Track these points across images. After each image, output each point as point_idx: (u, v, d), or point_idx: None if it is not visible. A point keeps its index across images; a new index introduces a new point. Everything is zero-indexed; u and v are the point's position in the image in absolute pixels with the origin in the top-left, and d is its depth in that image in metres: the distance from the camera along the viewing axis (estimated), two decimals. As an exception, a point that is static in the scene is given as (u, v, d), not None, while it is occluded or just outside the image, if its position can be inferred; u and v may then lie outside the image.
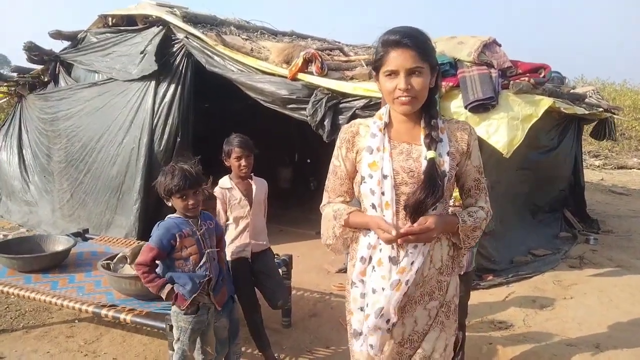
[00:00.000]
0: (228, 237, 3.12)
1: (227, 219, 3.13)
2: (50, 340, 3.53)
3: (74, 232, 4.44)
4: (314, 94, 4.57)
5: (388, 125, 1.78)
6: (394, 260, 1.71)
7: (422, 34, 1.67)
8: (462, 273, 2.64)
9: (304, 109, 4.63)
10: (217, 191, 3.11)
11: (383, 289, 1.71)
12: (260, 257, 3.24)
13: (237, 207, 3.11)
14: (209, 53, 5.22)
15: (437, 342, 1.80)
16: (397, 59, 1.62)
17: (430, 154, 1.67)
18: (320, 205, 1.94)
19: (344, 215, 1.80)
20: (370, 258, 1.76)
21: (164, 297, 2.39)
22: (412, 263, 1.69)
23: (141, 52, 5.70)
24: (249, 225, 3.15)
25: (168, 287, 2.38)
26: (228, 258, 3.12)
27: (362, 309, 1.80)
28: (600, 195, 9.60)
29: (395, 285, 1.68)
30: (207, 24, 5.83)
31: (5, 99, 7.75)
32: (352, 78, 4.68)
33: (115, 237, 4.65)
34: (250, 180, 3.20)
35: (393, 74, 1.64)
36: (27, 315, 3.88)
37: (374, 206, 1.73)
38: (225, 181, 3.17)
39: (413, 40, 1.63)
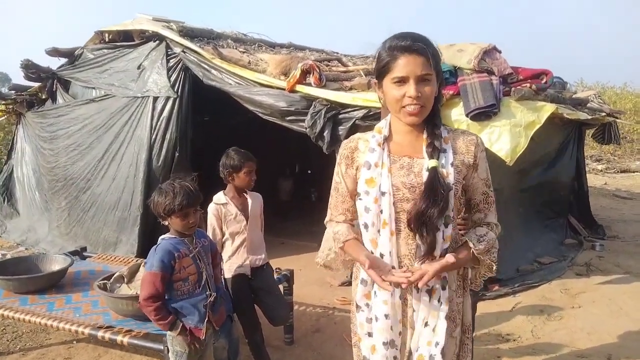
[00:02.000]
0: (225, 254, 3.06)
1: (223, 235, 3.07)
2: (48, 362, 3.46)
3: (71, 251, 4.36)
4: (313, 106, 4.52)
5: (388, 139, 1.69)
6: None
7: (430, 40, 1.59)
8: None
9: (303, 120, 4.58)
10: (211, 207, 3.07)
11: (386, 315, 1.63)
12: (259, 273, 3.17)
13: (233, 222, 3.06)
14: (206, 67, 5.19)
15: None
16: (407, 65, 1.53)
17: (432, 162, 1.58)
18: (325, 221, 1.87)
19: (340, 243, 1.73)
20: (372, 281, 1.67)
21: (175, 334, 2.32)
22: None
23: (138, 68, 5.68)
24: (246, 240, 3.08)
25: (179, 324, 2.31)
26: (227, 275, 3.05)
27: (369, 334, 1.70)
28: (604, 199, 9.52)
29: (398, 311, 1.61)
30: (204, 38, 5.80)
31: (4, 117, 7.73)
32: (350, 88, 4.64)
33: (113, 255, 4.58)
34: (245, 195, 3.15)
35: (402, 81, 1.55)
36: (24, 337, 3.80)
37: (366, 226, 1.65)
38: (219, 197, 3.12)
39: (424, 46, 1.55)
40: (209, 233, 3.01)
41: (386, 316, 1.63)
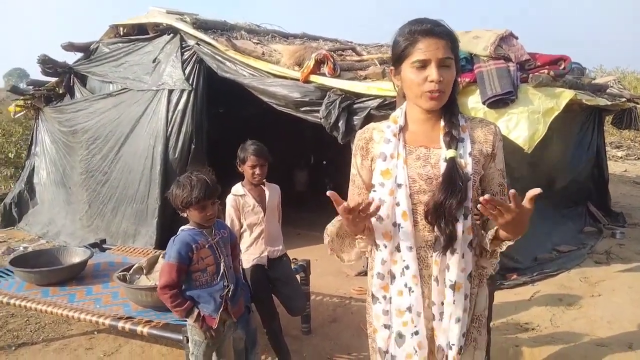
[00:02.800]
0: (243, 245, 3.08)
1: (241, 227, 3.09)
2: (70, 352, 3.52)
3: (91, 243, 4.44)
4: (327, 96, 4.50)
5: (403, 129, 1.66)
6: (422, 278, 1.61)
7: (449, 26, 1.57)
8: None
9: (318, 111, 4.56)
10: (230, 198, 3.08)
11: (409, 308, 1.61)
12: (277, 263, 3.19)
13: (251, 213, 3.07)
14: (220, 59, 5.19)
15: None
16: (428, 48, 1.50)
17: (450, 152, 1.54)
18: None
19: (330, 226, 1.73)
20: (391, 274, 1.65)
21: (191, 321, 2.35)
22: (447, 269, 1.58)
23: (153, 61, 5.70)
24: (264, 232, 3.10)
25: (195, 311, 2.34)
26: (245, 265, 3.07)
27: (386, 327, 1.68)
28: (624, 187, 9.34)
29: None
30: (218, 30, 5.80)
31: (22, 112, 7.84)
32: (365, 78, 4.60)
33: (132, 247, 4.64)
34: (263, 187, 3.16)
35: (423, 64, 1.51)
36: (46, 328, 3.88)
37: (379, 218, 1.61)
38: (238, 188, 3.14)
39: (444, 30, 1.52)
40: (227, 224, 3.03)
41: (418, 313, 1.61)
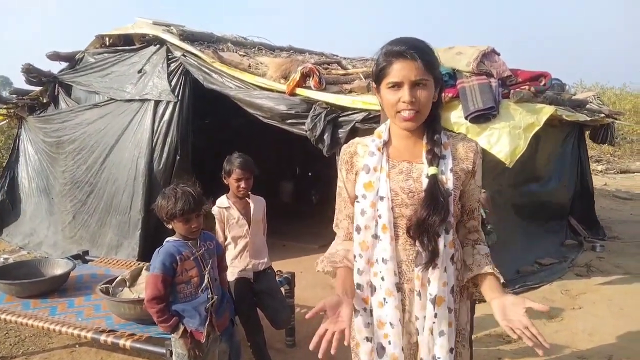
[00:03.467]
0: (228, 257, 3.08)
1: (226, 239, 3.09)
2: (51, 366, 3.47)
3: (73, 255, 4.38)
4: (313, 109, 4.54)
5: (387, 143, 1.69)
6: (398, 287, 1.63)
7: (427, 46, 1.59)
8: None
9: (303, 123, 4.59)
10: (215, 210, 3.09)
11: (391, 324, 1.62)
12: (262, 276, 3.19)
13: (236, 226, 3.08)
14: (206, 70, 5.21)
15: None
16: (401, 70, 1.53)
17: (432, 170, 1.58)
18: (333, 225, 1.87)
19: (331, 268, 1.75)
20: (372, 286, 1.67)
21: (177, 336, 2.35)
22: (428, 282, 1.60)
23: (139, 72, 5.69)
24: (249, 244, 3.10)
25: (181, 327, 2.34)
26: (229, 278, 3.07)
27: (368, 339, 1.69)
28: (604, 200, 9.51)
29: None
30: (204, 42, 5.82)
31: (5, 121, 7.75)
32: (350, 91, 4.65)
33: (115, 259, 4.59)
34: (247, 199, 3.16)
35: (396, 85, 1.55)
36: (26, 341, 3.82)
37: (358, 228, 1.65)
38: (222, 200, 3.14)
39: (419, 51, 1.54)
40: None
41: (391, 324, 1.62)
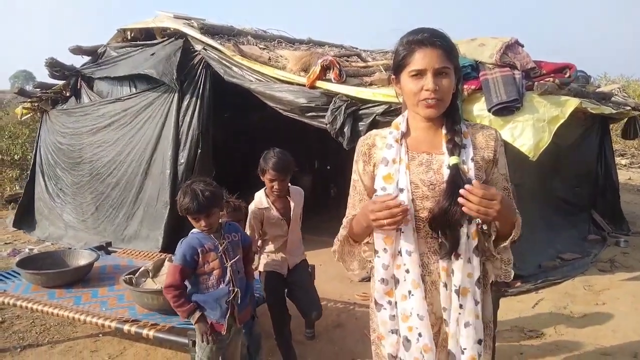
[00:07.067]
0: (264, 249, 3.08)
1: (265, 234, 3.07)
2: (75, 355, 3.54)
3: (96, 246, 4.45)
4: (333, 102, 4.52)
5: (405, 135, 1.68)
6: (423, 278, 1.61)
7: (447, 35, 1.60)
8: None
9: (323, 116, 4.58)
10: (252, 208, 3.02)
11: (419, 315, 1.60)
12: (295, 268, 3.19)
13: (274, 226, 3.03)
14: (227, 64, 5.23)
15: None
16: (424, 58, 1.53)
17: (453, 159, 1.56)
18: (344, 220, 1.84)
19: (345, 228, 1.72)
20: (395, 279, 1.65)
21: (193, 322, 2.37)
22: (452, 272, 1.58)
23: (151, 54, 5.75)
24: (287, 243, 3.09)
25: (198, 313, 2.36)
26: (261, 269, 3.07)
27: (393, 332, 1.68)
28: (628, 195, 9.33)
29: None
30: (225, 35, 5.84)
31: (29, 115, 7.88)
32: (370, 84, 4.63)
33: (138, 250, 4.66)
34: (288, 197, 3.06)
35: (419, 74, 1.55)
36: (51, 330, 3.90)
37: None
38: (262, 199, 3.03)
39: (441, 40, 1.55)
40: (247, 231, 2.98)
41: (419, 316, 1.61)
